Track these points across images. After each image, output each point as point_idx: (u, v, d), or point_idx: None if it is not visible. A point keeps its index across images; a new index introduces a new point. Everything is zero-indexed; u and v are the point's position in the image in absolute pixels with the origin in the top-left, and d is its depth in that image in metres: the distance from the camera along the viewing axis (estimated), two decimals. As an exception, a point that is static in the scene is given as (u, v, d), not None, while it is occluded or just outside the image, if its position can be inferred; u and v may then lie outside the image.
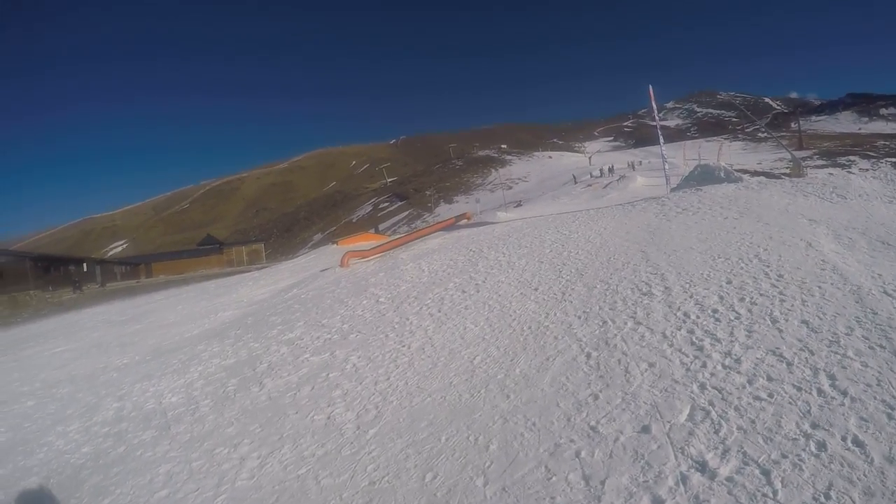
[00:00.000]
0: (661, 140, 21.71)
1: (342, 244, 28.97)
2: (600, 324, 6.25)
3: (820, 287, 6.22)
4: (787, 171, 41.18)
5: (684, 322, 5.85)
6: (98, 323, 19.07)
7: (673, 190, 26.50)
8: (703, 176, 23.16)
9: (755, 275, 7.07)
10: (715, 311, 6.03)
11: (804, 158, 55.87)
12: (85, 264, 55.23)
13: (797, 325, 5.25)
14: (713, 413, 3.92)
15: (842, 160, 71.00)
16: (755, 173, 52.31)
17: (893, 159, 70.87)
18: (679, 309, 6.25)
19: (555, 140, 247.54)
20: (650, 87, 19.38)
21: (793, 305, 5.80)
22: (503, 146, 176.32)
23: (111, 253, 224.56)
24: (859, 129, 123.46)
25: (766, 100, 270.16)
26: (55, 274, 45.25)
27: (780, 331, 5.19)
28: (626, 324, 6.09)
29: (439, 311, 8.23)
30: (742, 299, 6.25)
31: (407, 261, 14.15)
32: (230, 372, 8.03)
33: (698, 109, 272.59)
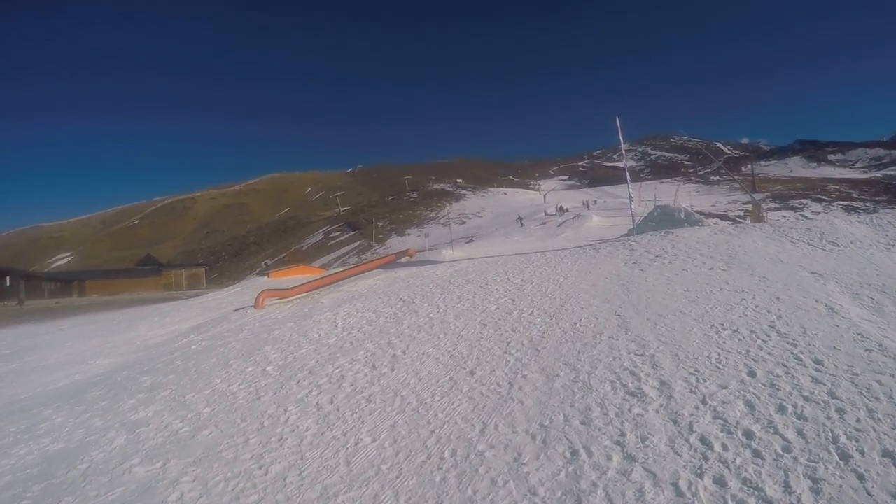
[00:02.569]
0: (628, 176, 19.88)
1: (273, 276, 26.20)
2: (567, 457, 3.84)
3: (880, 382, 4.37)
4: (748, 214, 40.51)
5: (705, 458, 3.59)
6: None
7: (631, 230, 24.93)
8: (663, 217, 21.72)
9: (783, 360, 5.02)
10: (748, 433, 3.83)
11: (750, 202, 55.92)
12: (8, 277, 50.61)
13: (878, 459, 3.31)
14: None
15: (794, 203, 72.10)
16: (710, 215, 51.81)
17: (845, 203, 72.32)
18: (691, 427, 3.96)
19: (510, 177, 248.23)
20: (617, 119, 17.52)
21: (859, 420, 3.84)
22: (459, 180, 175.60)
23: (55, 265, 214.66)
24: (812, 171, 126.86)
25: (718, 144, 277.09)
26: (-33, 286, 40.90)
27: (861, 477, 3.19)
28: (609, 459, 3.73)
29: (331, 403, 5.65)
30: (781, 409, 4.11)
31: (325, 308, 11.63)
32: (43, 470, 5.46)
33: (652, 152, 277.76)
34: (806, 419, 3.90)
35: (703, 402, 4.31)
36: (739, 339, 5.62)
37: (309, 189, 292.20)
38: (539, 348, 6.08)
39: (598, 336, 6.18)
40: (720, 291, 7.68)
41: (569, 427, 4.23)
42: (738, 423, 3.95)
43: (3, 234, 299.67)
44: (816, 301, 6.82)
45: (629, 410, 4.33)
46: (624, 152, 21.41)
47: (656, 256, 11.03)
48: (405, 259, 21.21)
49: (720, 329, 5.99)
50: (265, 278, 26.32)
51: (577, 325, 6.74)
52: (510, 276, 11.45)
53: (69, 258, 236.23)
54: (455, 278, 12.60)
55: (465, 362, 6.08)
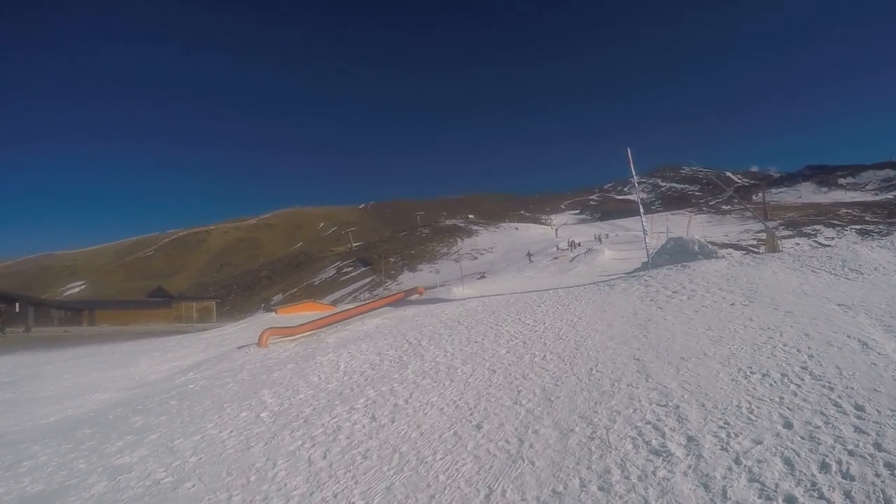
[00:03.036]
0: (641, 209, 19.42)
1: (281, 312, 25.81)
2: (585, 532, 3.36)
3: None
4: (762, 243, 39.79)
5: (747, 536, 3.06)
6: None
7: (644, 264, 24.32)
8: (677, 249, 21.20)
9: (821, 407, 4.52)
10: (790, 498, 3.36)
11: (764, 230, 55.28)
12: (17, 304, 50.47)
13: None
14: None
15: (807, 230, 71.13)
16: (723, 245, 51.13)
17: (857, 226, 71.28)
18: (724, 494, 3.49)
19: (522, 211, 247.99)
20: (628, 150, 17.14)
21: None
22: (470, 216, 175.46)
23: (68, 293, 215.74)
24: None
25: (728, 173, 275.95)
26: (-24, 311, 40.78)
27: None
28: (634, 535, 3.23)
29: (324, 458, 5.15)
30: (824, 467, 3.63)
31: (329, 348, 11.20)
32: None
33: (662, 184, 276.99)
34: (853, 478, 3.41)
35: (737, 461, 3.81)
36: (771, 385, 5.13)
37: (322, 224, 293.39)
38: (552, 398, 5.59)
39: (616, 384, 5.68)
40: (744, 329, 7.18)
41: (585, 494, 3.71)
42: (777, 486, 3.45)
43: (16, 261, 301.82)
44: (848, 336, 6.32)
45: (653, 473, 3.83)
46: (636, 184, 20.95)
47: (674, 292, 10.55)
48: (415, 297, 20.74)
49: (748, 373, 5.49)
50: (273, 314, 25.96)
51: (593, 371, 6.25)
52: (521, 316, 11.00)
53: (82, 287, 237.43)
54: (464, 318, 12.15)
55: (471, 414, 5.59)
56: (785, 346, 6.27)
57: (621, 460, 4.07)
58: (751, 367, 5.64)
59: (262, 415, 7.05)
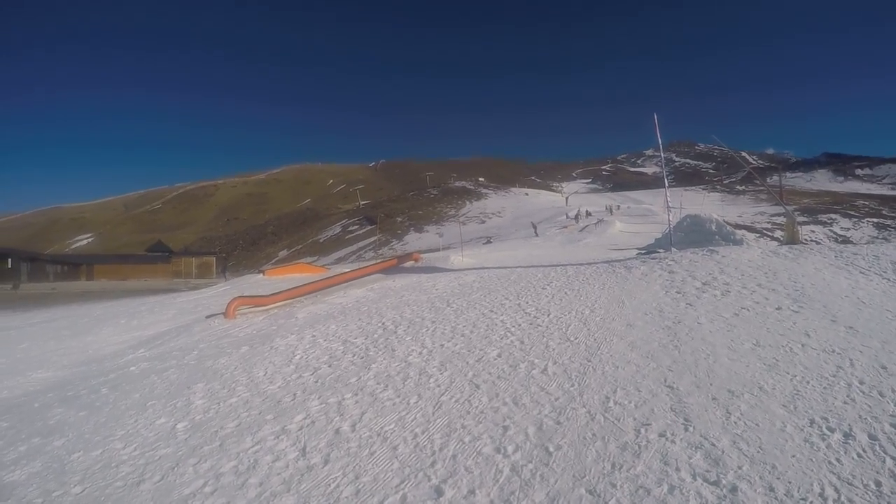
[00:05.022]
0: (666, 182, 17.84)
1: (269, 274, 24.45)
2: None
3: None
4: (782, 230, 38.00)
5: None
6: None
7: (660, 241, 22.65)
8: (693, 227, 19.62)
9: None
10: None
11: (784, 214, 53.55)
12: (10, 260, 49.39)
13: None
14: None
15: (823, 217, 69.09)
16: (738, 226, 49.17)
17: (875, 220, 69.13)
18: None
19: (533, 178, 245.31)
20: (655, 116, 15.34)
21: None
22: (481, 179, 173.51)
23: (75, 246, 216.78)
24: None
25: (743, 153, 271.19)
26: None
27: None
28: None
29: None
30: None
31: (294, 327, 9.64)
32: None
33: (676, 159, 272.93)
34: None
35: None
36: (859, 456, 3.52)
37: (330, 181, 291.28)
38: (551, 447, 3.92)
39: (642, 430, 4.02)
40: (803, 351, 5.55)
41: None
42: None
43: (25, 213, 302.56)
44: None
45: None
46: (661, 152, 19.12)
47: (704, 284, 8.91)
48: (409, 263, 19.16)
49: (825, 430, 3.88)
50: (260, 276, 24.54)
51: (610, 402, 4.59)
52: (522, 301, 9.37)
53: (90, 239, 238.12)
54: (456, 297, 10.54)
55: (433, 463, 3.91)
56: (861, 384, 4.65)
57: None
58: (826, 420, 4.02)
59: (179, 425, 5.50)
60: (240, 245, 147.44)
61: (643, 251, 19.38)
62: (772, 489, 3.21)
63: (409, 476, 3.78)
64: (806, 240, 27.97)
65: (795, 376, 4.87)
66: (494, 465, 3.77)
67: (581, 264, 14.15)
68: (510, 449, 3.97)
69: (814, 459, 3.51)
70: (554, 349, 6.35)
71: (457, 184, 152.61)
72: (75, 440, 5.64)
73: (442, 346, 7.09)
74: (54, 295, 34.66)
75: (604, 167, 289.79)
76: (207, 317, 12.84)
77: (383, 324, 8.81)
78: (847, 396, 4.42)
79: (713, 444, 3.72)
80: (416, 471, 3.84)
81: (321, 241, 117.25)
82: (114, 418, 6.17)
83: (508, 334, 7.30)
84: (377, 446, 4.31)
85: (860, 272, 9.09)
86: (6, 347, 14.07)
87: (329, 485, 3.81)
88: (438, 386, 5.53)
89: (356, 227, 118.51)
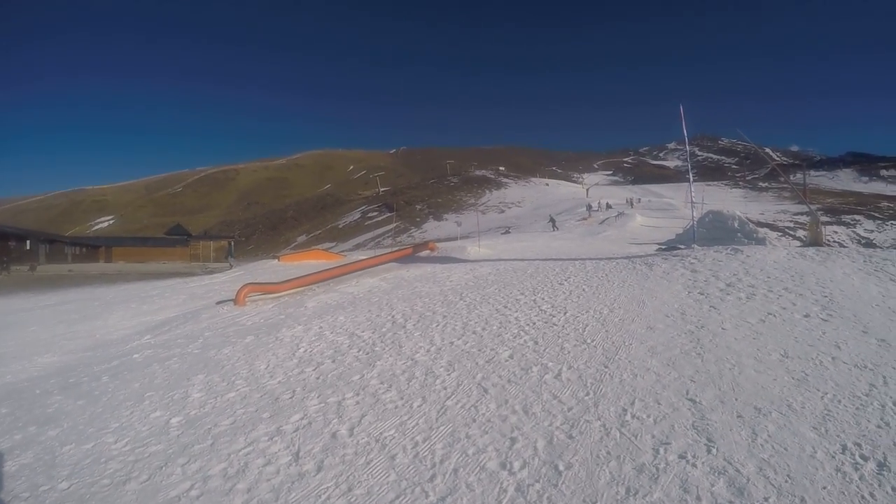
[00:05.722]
0: (691, 176, 17.57)
1: (284, 260, 24.24)
2: None
3: None
4: (806, 229, 37.15)
5: None
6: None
7: (681, 237, 22.19)
8: (715, 224, 19.25)
9: None
10: None
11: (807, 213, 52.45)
12: (28, 241, 49.70)
13: None
14: None
15: (846, 218, 67.64)
16: (760, 224, 48.22)
17: (899, 223, 67.49)
18: None
19: (554, 168, 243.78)
20: (681, 107, 14.89)
21: None
22: (501, 168, 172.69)
23: (96, 227, 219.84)
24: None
25: (767, 150, 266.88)
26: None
27: None
28: None
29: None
30: None
31: (302, 317, 9.43)
32: None
33: (699, 153, 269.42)
34: None
35: None
36: (894, 490, 3.18)
37: (351, 167, 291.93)
38: (560, 467, 3.60)
39: (661, 450, 3.69)
40: (833, 365, 5.17)
41: None
42: None
43: (48, 195, 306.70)
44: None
45: None
46: (686, 144, 18.61)
47: (728, 285, 8.52)
48: (425, 253, 18.90)
49: (857, 456, 3.52)
50: (275, 261, 24.39)
51: (628, 416, 4.26)
52: (538, 297, 9.04)
53: (111, 221, 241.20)
54: (469, 291, 10.25)
55: (432, 477, 3.63)
56: (895, 404, 4.30)
57: None
58: (859, 446, 3.64)
59: (173, 420, 5.28)
60: (259, 229, 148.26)
61: (664, 246, 18.98)
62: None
63: (405, 491, 3.50)
64: (829, 241, 27.25)
65: (826, 394, 4.51)
66: (499, 484, 3.47)
67: (600, 259, 13.79)
68: (517, 465, 3.67)
69: (846, 493, 3.16)
70: (569, 352, 6.03)
71: (477, 172, 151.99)
72: (69, 431, 5.45)
73: (451, 343, 6.80)
74: (70, 277, 34.78)
75: (625, 159, 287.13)
76: (217, 303, 12.69)
77: (393, 317, 8.56)
78: (881, 419, 4.05)
79: (738, 471, 3.39)
80: (413, 485, 3.56)
81: (340, 226, 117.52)
82: (110, 409, 5.97)
83: (522, 333, 7.00)
84: (374, 454, 4.04)
85: (890, 279, 8.59)
86: (17, 330, 13.98)
87: (319, 496, 3.54)
88: (445, 388, 5.24)
89: (375, 213, 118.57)
